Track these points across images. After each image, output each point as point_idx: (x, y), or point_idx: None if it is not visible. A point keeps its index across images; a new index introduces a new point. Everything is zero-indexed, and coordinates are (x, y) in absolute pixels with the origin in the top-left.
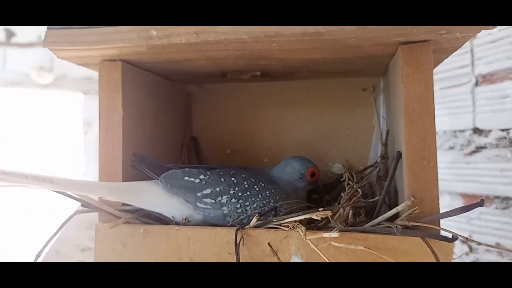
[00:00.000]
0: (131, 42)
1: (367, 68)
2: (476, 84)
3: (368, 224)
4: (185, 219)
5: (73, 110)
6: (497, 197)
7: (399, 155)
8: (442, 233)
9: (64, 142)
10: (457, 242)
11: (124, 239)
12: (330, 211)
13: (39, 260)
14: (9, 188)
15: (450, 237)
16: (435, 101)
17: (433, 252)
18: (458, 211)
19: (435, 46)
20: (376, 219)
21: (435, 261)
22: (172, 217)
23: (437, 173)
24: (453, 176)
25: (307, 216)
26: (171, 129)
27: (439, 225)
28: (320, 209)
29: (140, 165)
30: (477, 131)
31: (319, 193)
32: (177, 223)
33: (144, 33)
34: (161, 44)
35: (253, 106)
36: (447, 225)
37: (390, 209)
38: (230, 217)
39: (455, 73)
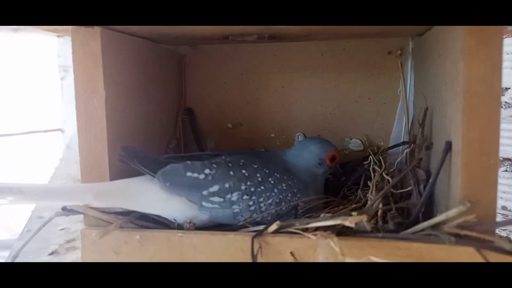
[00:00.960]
0: None
1: (398, 29)
2: None
3: (409, 231)
4: (189, 222)
5: (48, 54)
6: (508, 159)
7: (449, 146)
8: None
9: (40, 88)
10: None
11: (117, 247)
12: (365, 215)
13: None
14: None
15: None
16: None
17: None
18: None
19: None
20: (419, 225)
21: None
22: (174, 219)
23: (497, 172)
24: None
25: (337, 222)
26: (162, 101)
27: (494, 235)
28: (354, 213)
29: (131, 160)
30: None
31: (336, 175)
32: (179, 227)
33: None
34: None
35: (258, 72)
36: None
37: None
38: (242, 215)
39: None
